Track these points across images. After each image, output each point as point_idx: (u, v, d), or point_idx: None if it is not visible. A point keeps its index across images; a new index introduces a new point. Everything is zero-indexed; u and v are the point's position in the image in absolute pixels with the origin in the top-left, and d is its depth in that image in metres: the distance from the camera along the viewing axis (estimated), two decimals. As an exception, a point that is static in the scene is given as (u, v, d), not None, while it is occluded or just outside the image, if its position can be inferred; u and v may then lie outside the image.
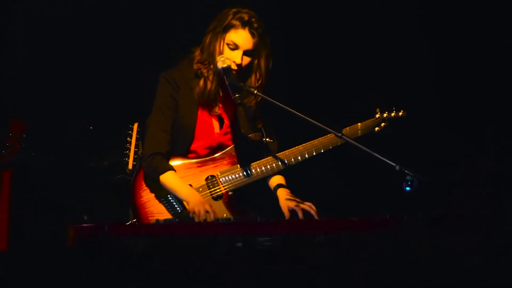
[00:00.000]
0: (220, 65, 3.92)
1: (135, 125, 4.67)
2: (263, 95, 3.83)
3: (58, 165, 5.18)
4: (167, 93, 4.02)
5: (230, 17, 3.92)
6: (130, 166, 4.56)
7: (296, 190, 4.08)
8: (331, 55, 5.26)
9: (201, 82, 4.01)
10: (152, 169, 3.97)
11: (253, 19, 3.92)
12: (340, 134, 3.64)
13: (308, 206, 3.86)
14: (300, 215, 3.86)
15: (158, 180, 3.96)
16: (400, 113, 4.20)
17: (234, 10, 3.95)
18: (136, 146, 4.61)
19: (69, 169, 5.19)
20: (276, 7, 5.10)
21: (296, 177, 4.17)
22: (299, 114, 3.66)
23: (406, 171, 3.33)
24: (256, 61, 3.98)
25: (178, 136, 4.04)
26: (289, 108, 3.70)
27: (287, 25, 5.21)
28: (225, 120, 4.11)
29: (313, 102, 5.07)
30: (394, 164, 3.38)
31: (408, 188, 3.33)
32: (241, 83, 3.89)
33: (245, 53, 3.94)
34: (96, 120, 5.28)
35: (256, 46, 3.94)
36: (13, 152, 4.65)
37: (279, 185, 4.09)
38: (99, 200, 5.07)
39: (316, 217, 3.83)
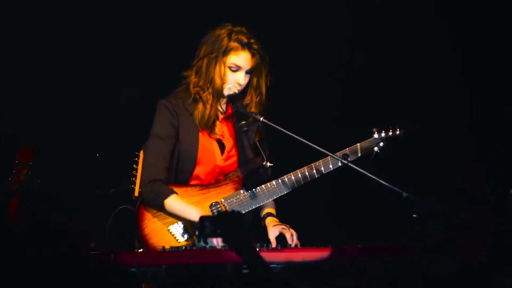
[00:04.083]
0: (226, 92, 3.96)
1: (142, 152, 4.66)
2: (270, 123, 3.85)
3: (66, 191, 5.15)
4: (166, 121, 4.02)
5: (225, 40, 3.95)
6: (136, 193, 4.55)
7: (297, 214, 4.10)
8: (331, 55, 5.27)
9: (200, 105, 4.03)
10: (154, 195, 3.94)
11: (252, 40, 3.97)
12: (346, 162, 3.66)
13: (291, 233, 3.93)
14: (288, 237, 3.91)
15: (161, 205, 3.93)
16: (397, 132, 4.08)
17: (226, 31, 3.97)
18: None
19: (77, 195, 5.16)
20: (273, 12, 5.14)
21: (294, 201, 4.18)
22: (304, 140, 3.68)
23: (413, 198, 3.34)
24: (255, 78, 4.02)
25: (181, 163, 4.03)
26: (294, 135, 3.72)
27: (283, 33, 5.22)
28: (225, 145, 4.11)
29: (313, 103, 5.10)
30: (401, 191, 3.39)
31: (415, 215, 3.33)
32: (248, 111, 3.93)
33: (246, 72, 3.98)
34: (101, 146, 5.27)
35: (255, 65, 3.98)
36: (20, 180, 4.64)
37: (268, 214, 4.10)
38: (106, 227, 5.04)
39: (295, 242, 3.90)
